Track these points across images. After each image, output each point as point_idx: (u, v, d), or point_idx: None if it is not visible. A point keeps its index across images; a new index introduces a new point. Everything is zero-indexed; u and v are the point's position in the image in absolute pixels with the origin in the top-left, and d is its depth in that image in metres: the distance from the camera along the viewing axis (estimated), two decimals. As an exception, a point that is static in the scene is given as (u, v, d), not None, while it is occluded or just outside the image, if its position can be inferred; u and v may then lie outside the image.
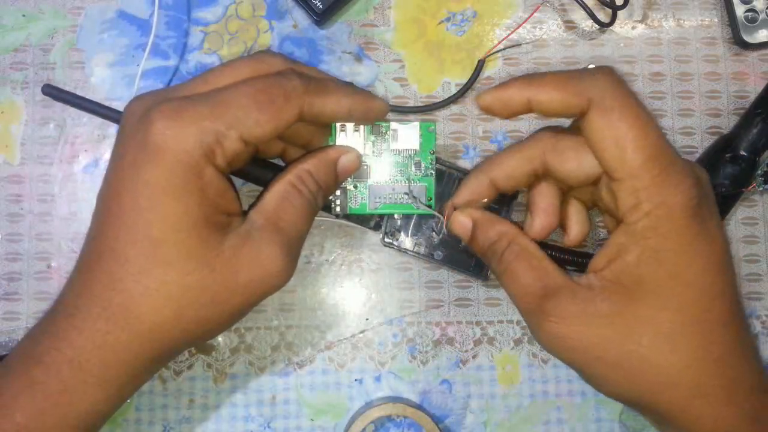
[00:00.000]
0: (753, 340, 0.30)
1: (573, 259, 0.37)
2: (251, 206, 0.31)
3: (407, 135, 0.35)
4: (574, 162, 0.31)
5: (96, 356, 0.27)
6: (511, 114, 0.31)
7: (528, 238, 0.32)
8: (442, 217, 0.34)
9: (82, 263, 0.29)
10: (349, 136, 0.35)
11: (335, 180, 0.33)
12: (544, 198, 0.33)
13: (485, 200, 0.34)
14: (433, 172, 0.35)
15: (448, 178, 0.38)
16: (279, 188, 0.31)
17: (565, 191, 0.34)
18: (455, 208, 0.34)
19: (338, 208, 0.35)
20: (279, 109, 0.28)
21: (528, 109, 0.30)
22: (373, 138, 0.35)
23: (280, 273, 0.29)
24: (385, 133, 0.35)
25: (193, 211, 0.27)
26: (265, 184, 0.35)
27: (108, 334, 0.27)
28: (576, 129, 0.31)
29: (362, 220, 0.38)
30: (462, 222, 0.33)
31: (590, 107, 0.28)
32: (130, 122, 0.29)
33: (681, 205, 0.28)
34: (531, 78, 0.30)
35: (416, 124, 0.35)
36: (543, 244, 0.38)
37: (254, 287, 0.29)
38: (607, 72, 0.29)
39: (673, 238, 0.28)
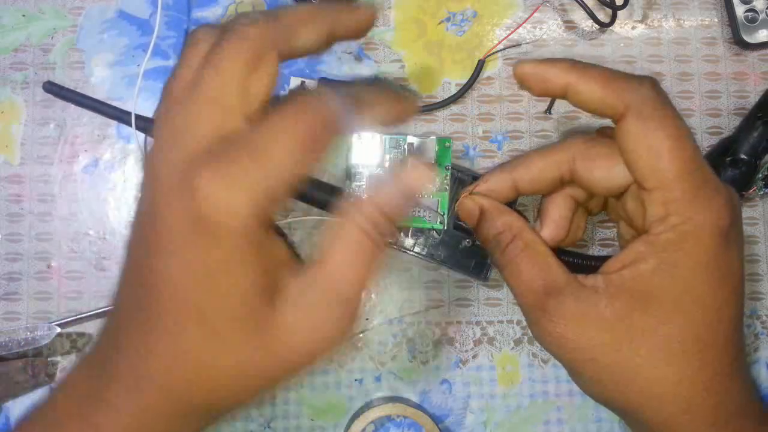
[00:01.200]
0: (747, 362, 0.30)
1: (575, 261, 0.37)
2: (312, 260, 0.27)
3: (424, 149, 0.35)
4: (604, 171, 0.30)
5: (155, 424, 0.26)
6: (543, 93, 0.30)
7: (534, 232, 0.32)
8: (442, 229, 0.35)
9: (130, 331, 0.26)
10: (365, 146, 0.35)
11: (405, 207, 0.29)
12: (557, 209, 0.33)
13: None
14: (448, 188, 0.36)
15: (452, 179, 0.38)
16: (343, 236, 0.26)
17: (580, 203, 0.34)
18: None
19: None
20: (324, 143, 0.26)
21: (563, 93, 0.29)
22: (391, 151, 0.35)
23: (338, 339, 0.26)
24: (402, 146, 0.35)
25: (244, 284, 0.25)
26: (305, 198, 0.35)
27: (167, 407, 0.26)
28: (606, 137, 0.31)
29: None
30: (469, 208, 0.33)
31: (627, 113, 0.28)
32: (166, 182, 0.25)
33: (710, 225, 0.27)
34: (576, 64, 0.29)
35: (433, 138, 0.35)
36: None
37: (310, 357, 0.26)
38: (650, 82, 0.29)
39: (695, 255, 0.28)
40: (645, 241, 0.29)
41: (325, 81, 0.40)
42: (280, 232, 0.27)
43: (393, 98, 0.29)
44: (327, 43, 0.28)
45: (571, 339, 0.29)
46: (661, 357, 0.28)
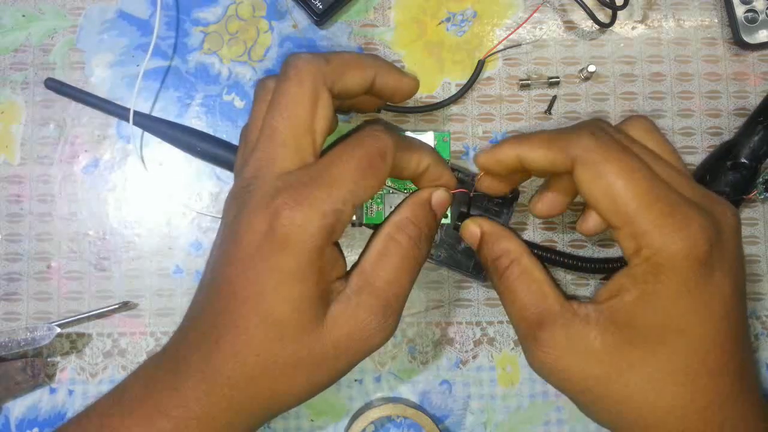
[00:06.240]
0: (755, 385, 0.30)
1: (593, 266, 0.37)
2: (355, 264, 0.31)
3: None
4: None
5: (222, 415, 0.29)
6: (507, 171, 0.32)
7: (533, 258, 0.32)
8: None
9: (202, 329, 0.30)
10: None
11: (435, 219, 0.33)
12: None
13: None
14: None
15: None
16: (377, 244, 0.31)
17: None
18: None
19: (353, 216, 0.35)
20: (380, 170, 0.30)
21: (520, 166, 0.31)
22: None
23: (377, 335, 0.30)
24: None
25: (311, 291, 0.28)
26: None
27: (233, 399, 0.29)
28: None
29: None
30: (471, 231, 0.33)
31: (575, 165, 0.29)
32: (250, 208, 0.29)
33: (683, 252, 0.27)
34: (521, 136, 0.31)
35: (430, 133, 0.35)
36: (562, 253, 0.38)
37: (354, 351, 0.30)
38: (588, 130, 0.30)
39: (672, 285, 0.28)
40: (626, 273, 0.29)
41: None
42: (341, 249, 0.31)
43: (438, 160, 0.33)
44: (369, 90, 0.32)
45: (564, 370, 0.29)
46: (651, 388, 0.28)
